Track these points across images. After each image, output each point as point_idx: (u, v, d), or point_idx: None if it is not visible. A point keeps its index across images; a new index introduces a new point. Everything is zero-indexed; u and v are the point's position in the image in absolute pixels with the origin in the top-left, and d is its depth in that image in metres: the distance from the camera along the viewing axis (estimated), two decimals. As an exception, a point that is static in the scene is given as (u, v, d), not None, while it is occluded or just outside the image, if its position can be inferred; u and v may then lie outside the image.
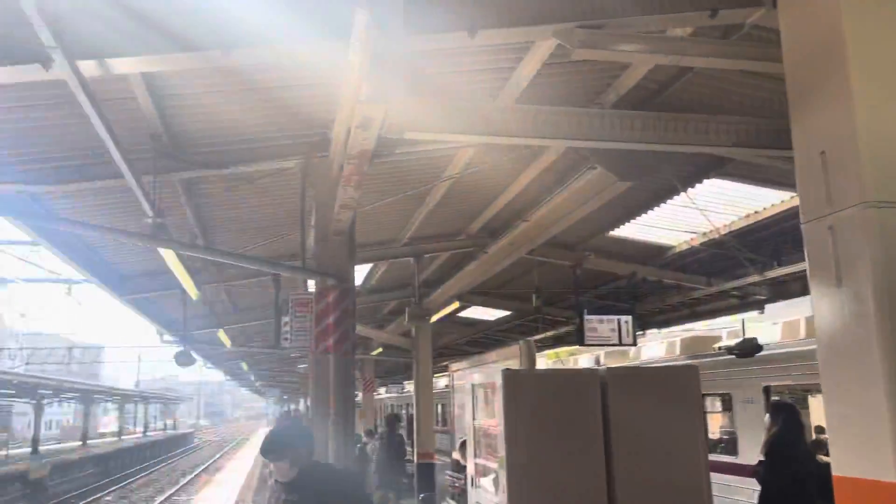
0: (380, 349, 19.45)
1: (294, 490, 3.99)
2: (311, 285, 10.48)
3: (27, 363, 48.69)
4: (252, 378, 35.48)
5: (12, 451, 34.19)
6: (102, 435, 62.99)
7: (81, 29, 3.62)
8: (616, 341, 10.65)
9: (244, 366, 23.71)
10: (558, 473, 5.89)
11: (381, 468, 12.15)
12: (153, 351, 56.94)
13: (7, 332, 63.19)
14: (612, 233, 10.04)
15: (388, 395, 36.07)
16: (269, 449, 3.89)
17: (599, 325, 10.49)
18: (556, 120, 4.89)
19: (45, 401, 38.03)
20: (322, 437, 5.60)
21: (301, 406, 45.59)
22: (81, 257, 8.82)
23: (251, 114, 5.91)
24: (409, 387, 32.08)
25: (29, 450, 35.98)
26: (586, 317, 10.58)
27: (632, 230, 9.88)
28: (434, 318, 12.83)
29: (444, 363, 22.75)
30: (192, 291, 8.87)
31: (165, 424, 69.50)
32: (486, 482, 7.88)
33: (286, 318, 9.80)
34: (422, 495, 12.22)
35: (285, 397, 51.48)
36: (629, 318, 10.84)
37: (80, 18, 3.62)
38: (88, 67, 3.87)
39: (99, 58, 3.94)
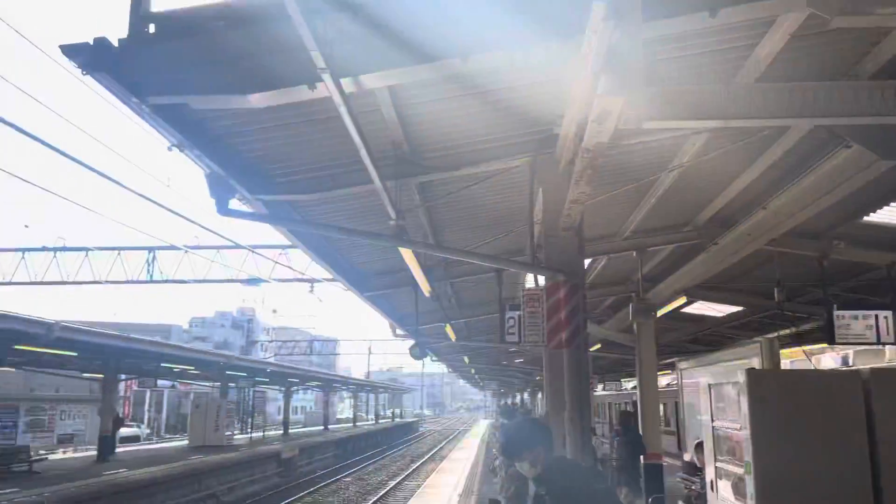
0: (598, 345, 19.17)
1: (541, 483, 4.07)
2: (530, 280, 10.65)
3: (276, 354, 54.89)
4: (472, 371, 36.77)
5: (268, 433, 38.79)
6: (339, 421, 69.23)
7: (342, 51, 4.02)
8: (874, 339, 9.51)
9: (466, 359, 24.67)
10: (813, 483, 5.42)
11: (621, 467, 11.91)
12: (380, 344, 61.33)
13: (260, 327, 71.58)
14: (866, 218, 8.97)
15: (605, 391, 35.44)
16: (508, 451, 3.98)
17: (853, 321, 9.43)
18: (807, 97, 4.47)
19: (293, 388, 42.67)
20: (558, 433, 5.67)
21: (517, 400, 46.39)
22: (330, 259, 9.77)
23: (480, 117, 6.15)
24: (627, 384, 31.23)
25: (280, 432, 40.62)
26: (836, 312, 9.57)
27: (891, 214, 8.75)
28: (659, 314, 12.36)
29: (667, 361, 21.85)
30: (425, 288, 9.42)
31: (393, 413, 74.42)
32: (725, 486, 7.46)
33: (511, 314, 10.07)
34: (651, 498, 11.83)
35: (502, 391, 52.66)
36: (888, 313, 9.62)
37: (341, 41, 4.03)
38: (346, 85, 4.30)
39: (354, 75, 4.36)
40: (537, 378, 32.33)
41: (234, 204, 6.15)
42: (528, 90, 5.76)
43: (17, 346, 15.96)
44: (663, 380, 24.75)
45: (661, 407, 26.52)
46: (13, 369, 25.06)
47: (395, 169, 6.20)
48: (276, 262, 22.38)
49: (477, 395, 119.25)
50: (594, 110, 3.95)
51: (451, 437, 54.08)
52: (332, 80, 3.89)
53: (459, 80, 5.27)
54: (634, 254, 11.07)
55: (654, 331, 13.19)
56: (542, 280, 7.50)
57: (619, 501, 4.28)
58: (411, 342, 15.22)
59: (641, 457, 12.06)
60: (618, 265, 12.29)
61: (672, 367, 22.69)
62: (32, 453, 19.26)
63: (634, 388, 27.55)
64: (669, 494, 12.31)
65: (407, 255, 7.35)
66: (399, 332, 16.73)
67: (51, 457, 22.54)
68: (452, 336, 15.44)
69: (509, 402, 46.31)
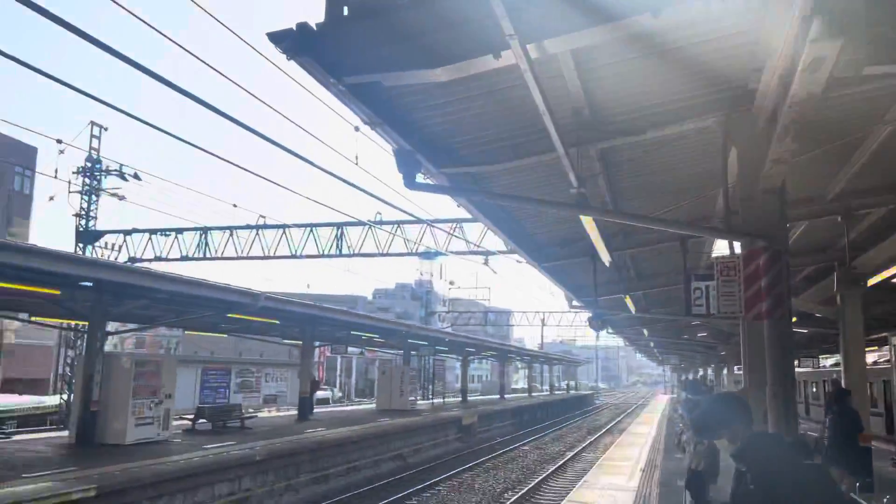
0: (794, 319, 17.75)
1: (741, 460, 3.88)
2: (718, 248, 10.05)
3: (452, 325, 56.63)
4: (651, 345, 35.63)
5: (447, 400, 40.29)
6: (514, 391, 70.28)
7: (528, 16, 3.98)
8: None
9: (645, 332, 23.94)
10: None
11: (832, 445, 11.00)
12: (553, 316, 61.15)
13: (437, 298, 74.13)
14: None
15: (800, 369, 32.83)
16: (704, 428, 3.80)
17: None
18: None
19: (469, 357, 43.91)
20: (757, 409, 5.33)
21: (699, 376, 44.28)
22: (508, 229, 9.85)
23: (666, 76, 5.84)
24: (825, 361, 28.66)
25: (458, 399, 42.04)
26: None
27: None
28: (870, 283, 11.16)
29: (876, 336, 19.75)
30: (605, 257, 9.22)
31: (567, 385, 74.19)
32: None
33: (697, 284, 9.57)
34: (858, 482, 10.82)
35: (682, 365, 50.56)
36: None
37: (527, 7, 3.99)
38: (530, 51, 4.25)
39: (538, 40, 4.30)
40: (721, 353, 30.63)
41: (420, 178, 6.37)
42: (720, 43, 5.38)
43: (229, 314, 17.80)
44: (870, 356, 22.45)
45: (868, 387, 24.14)
46: (225, 335, 28.08)
47: (576, 136, 6.08)
48: (451, 234, 22.98)
49: (655, 369, 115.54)
50: (804, 59, 3.60)
51: (628, 412, 52.97)
52: (519, 46, 3.86)
53: (646, 38, 5.03)
54: (839, 218, 10.05)
55: (862, 303, 11.95)
56: (737, 247, 7.04)
57: (828, 478, 3.96)
58: (586, 315, 15.03)
59: (856, 436, 11.02)
60: (818, 231, 11.23)
61: (881, 342, 20.48)
62: (243, 411, 21.49)
63: (834, 365, 25.26)
64: (878, 480, 11.20)
65: (588, 223, 7.22)
66: (575, 303, 16.58)
67: (259, 415, 25.04)
68: (632, 308, 15.04)
69: (691, 377, 44.36)
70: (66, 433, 16.84)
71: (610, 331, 28.23)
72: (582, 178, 6.31)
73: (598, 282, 12.98)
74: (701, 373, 44.74)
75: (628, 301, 14.52)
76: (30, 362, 33.00)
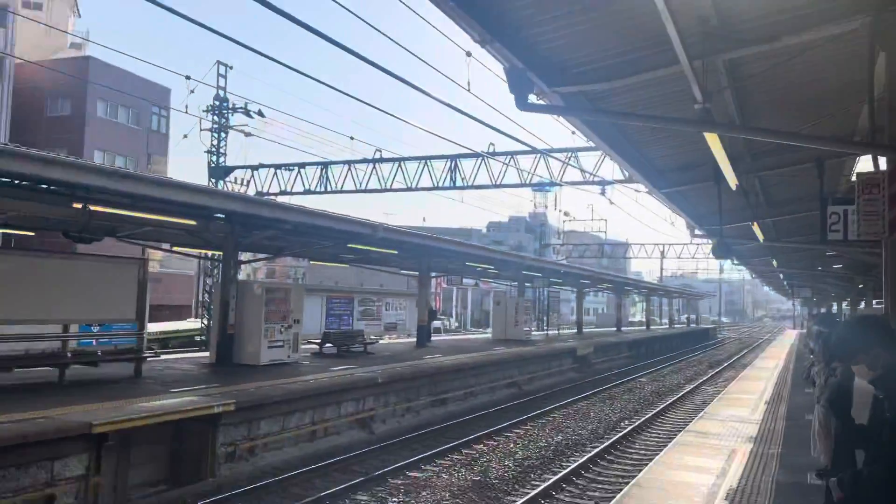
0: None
1: (881, 387, 3.64)
2: (861, 167, 9.22)
3: (567, 257, 56.13)
4: (780, 277, 33.82)
5: (562, 331, 40.38)
6: (631, 324, 69.29)
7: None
8: None
9: (774, 263, 22.68)
10: None
11: None
12: (673, 249, 59.19)
13: (552, 231, 73.50)
14: None
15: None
16: (841, 352, 3.57)
17: None
18: None
19: (584, 290, 43.54)
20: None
21: (834, 310, 41.71)
22: (625, 153, 9.49)
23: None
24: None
25: (573, 331, 42.04)
26: None
27: None
28: None
29: None
30: (732, 180, 8.71)
31: (688, 319, 72.22)
32: None
33: (834, 209, 8.92)
34: None
35: (814, 299, 47.76)
36: None
37: None
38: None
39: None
40: (859, 286, 28.62)
41: (532, 98, 6.21)
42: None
43: (350, 245, 18.49)
44: None
45: None
46: (347, 266, 29.27)
47: (701, 47, 5.67)
48: (566, 164, 22.47)
49: (784, 303, 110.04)
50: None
51: (753, 346, 50.96)
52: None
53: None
54: None
55: None
56: (882, 164, 6.43)
57: None
58: (708, 247, 14.38)
59: None
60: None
61: None
62: (365, 337, 22.50)
63: None
64: None
65: (713, 142, 6.80)
66: (697, 232, 15.91)
67: (379, 341, 26.16)
68: (760, 236, 14.23)
69: (823, 310, 41.91)
70: (207, 354, 18.35)
71: (735, 262, 26.99)
72: (707, 93, 5.91)
73: (724, 209, 12.33)
74: (834, 307, 42.12)
75: (756, 229, 13.73)
76: (174, 290, 35.97)
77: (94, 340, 16.96)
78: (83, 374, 12.97)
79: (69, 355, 12.45)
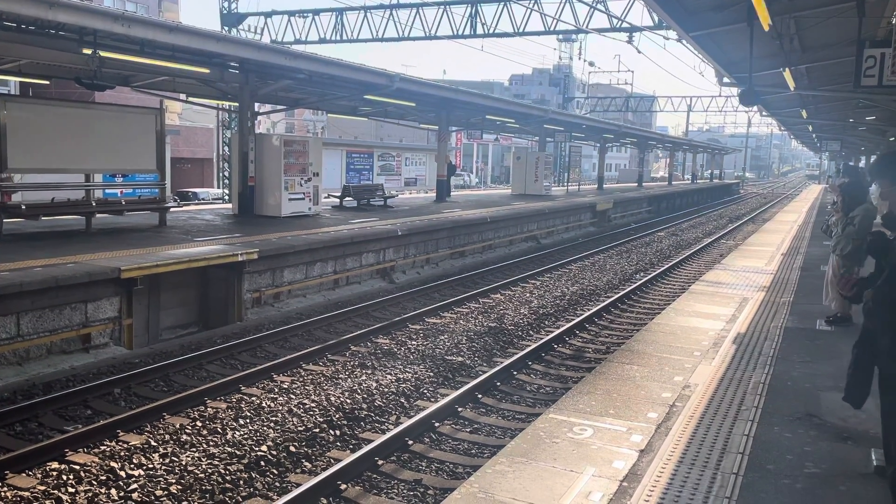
0: None
1: (893, 226, 3.70)
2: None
3: (591, 111, 54.77)
4: (809, 128, 32.85)
5: (582, 187, 40.21)
6: (653, 180, 68.70)
7: None
8: None
9: (803, 113, 21.90)
10: None
11: None
12: (701, 102, 57.33)
13: (576, 84, 71.28)
14: None
15: None
16: (874, 169, 3.61)
17: None
18: None
19: (607, 145, 42.81)
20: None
21: (862, 165, 40.83)
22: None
23: None
24: None
25: (594, 186, 41.81)
26: None
27: None
28: None
29: None
30: (765, 19, 8.21)
31: (712, 174, 71.34)
32: None
33: (871, 52, 8.48)
34: None
35: (843, 153, 46.65)
36: None
37: None
38: None
39: None
40: (891, 139, 27.76)
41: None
42: None
43: (366, 96, 18.10)
44: None
45: None
46: (366, 119, 28.83)
47: None
48: (593, 7, 21.28)
49: (812, 158, 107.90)
50: None
51: (775, 201, 50.56)
52: None
53: None
54: None
55: None
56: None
57: None
58: (736, 100, 13.82)
59: None
60: None
61: None
62: (385, 192, 22.58)
63: None
64: None
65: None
66: (726, 80, 15.29)
67: (399, 196, 26.28)
68: (791, 83, 13.61)
69: (851, 162, 41.09)
70: (229, 206, 18.64)
71: (764, 113, 26.13)
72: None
73: (755, 54, 11.72)
74: (862, 161, 41.19)
75: (787, 76, 13.11)
76: (194, 143, 35.95)
77: (119, 192, 17.26)
78: (109, 223, 13.31)
79: (94, 204, 12.69)
